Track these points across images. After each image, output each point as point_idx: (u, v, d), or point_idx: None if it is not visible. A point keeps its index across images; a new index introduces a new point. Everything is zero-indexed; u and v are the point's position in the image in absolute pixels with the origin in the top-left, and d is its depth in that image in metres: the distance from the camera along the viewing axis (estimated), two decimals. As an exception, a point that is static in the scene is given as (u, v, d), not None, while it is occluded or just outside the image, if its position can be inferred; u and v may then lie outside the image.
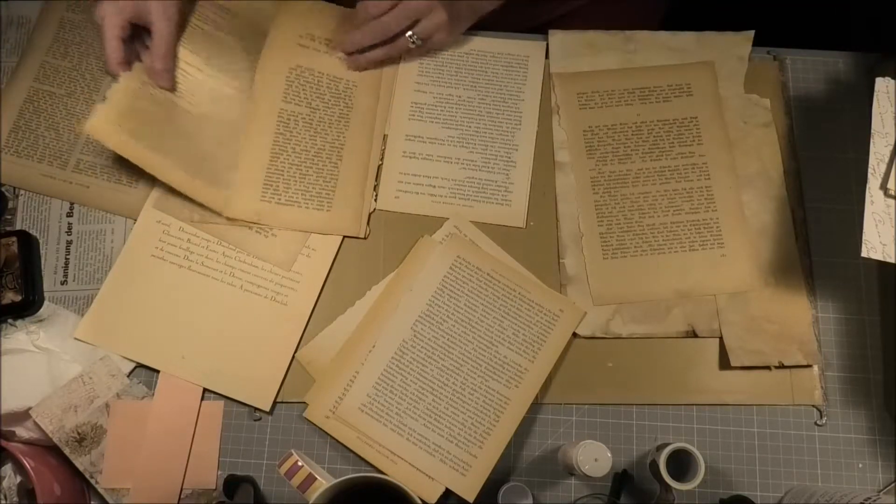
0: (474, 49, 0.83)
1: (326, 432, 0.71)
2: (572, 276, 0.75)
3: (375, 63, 0.81)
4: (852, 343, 0.75)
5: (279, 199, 0.77)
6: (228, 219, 0.76)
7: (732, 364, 0.72)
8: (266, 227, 0.76)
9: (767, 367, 0.73)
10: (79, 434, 0.70)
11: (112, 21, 0.71)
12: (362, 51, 0.80)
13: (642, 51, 0.82)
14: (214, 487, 0.70)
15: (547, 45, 0.83)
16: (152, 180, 0.76)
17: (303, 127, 0.79)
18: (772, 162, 0.78)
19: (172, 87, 0.75)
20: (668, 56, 0.81)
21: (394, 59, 0.82)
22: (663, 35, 0.83)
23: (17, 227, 0.77)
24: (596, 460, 0.63)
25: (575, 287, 0.75)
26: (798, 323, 0.74)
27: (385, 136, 0.80)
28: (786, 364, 0.72)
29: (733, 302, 0.74)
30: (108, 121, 0.70)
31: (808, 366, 0.73)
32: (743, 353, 0.72)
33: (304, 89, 0.80)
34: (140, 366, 0.73)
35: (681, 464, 0.64)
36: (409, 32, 0.78)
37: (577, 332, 0.73)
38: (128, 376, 0.72)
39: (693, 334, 0.73)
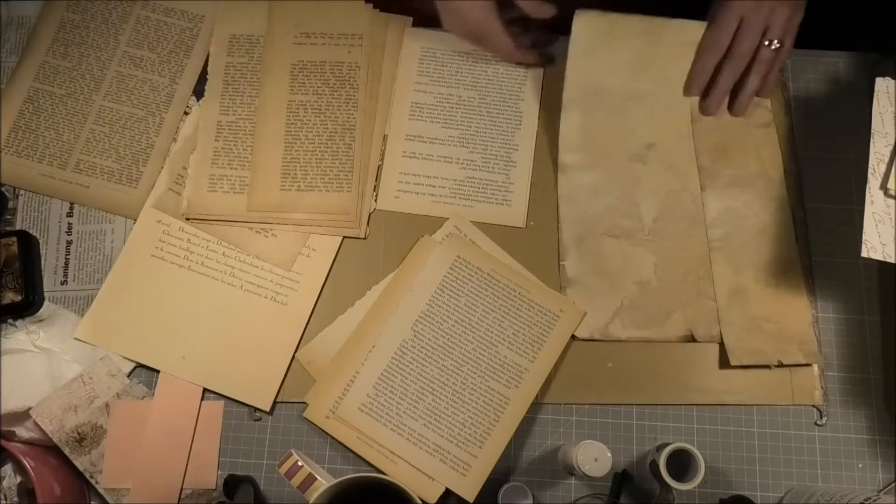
0: (474, 49, 0.83)
1: (326, 432, 0.71)
2: (572, 279, 0.75)
3: (752, 96, 0.76)
4: (852, 343, 0.75)
5: (299, 186, 0.77)
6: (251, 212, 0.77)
7: (732, 363, 0.72)
8: (268, 225, 0.76)
9: (767, 367, 0.73)
10: (79, 434, 0.70)
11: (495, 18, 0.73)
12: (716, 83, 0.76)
13: (659, 44, 0.79)
14: (214, 487, 0.70)
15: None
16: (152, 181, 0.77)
17: (312, 114, 0.79)
18: (772, 162, 0.78)
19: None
20: (685, 50, 0.80)
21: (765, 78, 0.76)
22: (676, 24, 0.79)
23: (17, 227, 0.77)
24: (596, 460, 0.63)
25: (575, 290, 0.75)
26: (798, 322, 0.74)
27: (385, 136, 0.80)
28: (785, 363, 0.72)
29: (733, 302, 0.74)
30: None
31: (808, 365, 0.73)
32: (742, 352, 0.72)
33: (308, 79, 0.81)
34: (140, 366, 0.73)
35: (681, 464, 0.64)
36: (766, 42, 0.72)
37: (576, 334, 0.73)
38: (128, 376, 0.72)
39: (692, 339, 0.73)
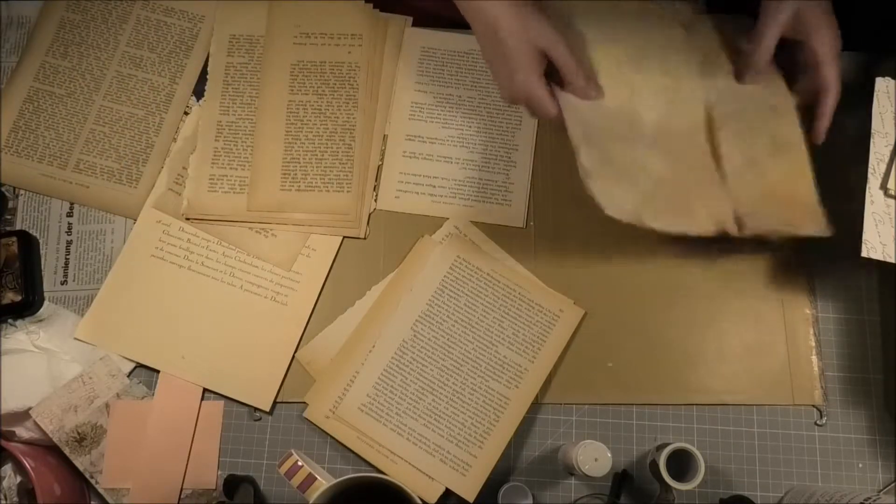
0: (474, 49, 0.83)
1: (326, 432, 0.71)
2: (589, 170, 0.67)
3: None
4: (852, 343, 0.75)
5: (298, 186, 0.77)
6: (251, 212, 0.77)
7: (741, 232, 0.69)
8: (268, 225, 0.77)
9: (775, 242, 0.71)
10: (79, 434, 0.70)
11: (537, 80, 0.68)
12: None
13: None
14: (214, 487, 0.70)
15: None
16: (152, 180, 0.78)
17: (312, 114, 0.80)
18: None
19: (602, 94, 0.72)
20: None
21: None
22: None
23: (17, 227, 0.77)
24: (596, 460, 0.63)
25: (594, 181, 0.66)
26: (805, 195, 0.71)
27: (385, 136, 0.80)
28: (800, 234, 0.69)
29: (745, 174, 0.71)
30: None
31: (818, 238, 0.70)
32: (755, 219, 0.69)
33: (308, 79, 0.81)
34: (140, 366, 0.73)
35: (681, 464, 0.64)
36: None
37: (612, 216, 0.66)
38: (128, 376, 0.72)
39: (726, 233, 0.69)
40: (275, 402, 0.72)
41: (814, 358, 0.74)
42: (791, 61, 0.72)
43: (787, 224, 0.70)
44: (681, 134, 0.73)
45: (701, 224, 0.69)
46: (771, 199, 0.71)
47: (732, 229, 0.70)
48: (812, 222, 0.70)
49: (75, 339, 0.73)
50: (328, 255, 0.76)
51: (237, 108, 0.80)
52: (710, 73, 0.76)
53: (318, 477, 0.60)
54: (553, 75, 0.70)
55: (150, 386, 0.72)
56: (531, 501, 0.68)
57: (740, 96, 0.74)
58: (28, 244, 0.76)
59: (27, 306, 0.73)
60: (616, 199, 0.67)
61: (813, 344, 0.74)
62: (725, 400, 0.73)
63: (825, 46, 0.68)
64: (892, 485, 0.71)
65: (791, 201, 0.71)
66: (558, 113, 0.69)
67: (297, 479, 0.60)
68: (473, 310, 0.73)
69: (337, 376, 0.72)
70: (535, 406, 0.72)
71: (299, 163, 0.78)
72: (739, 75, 0.75)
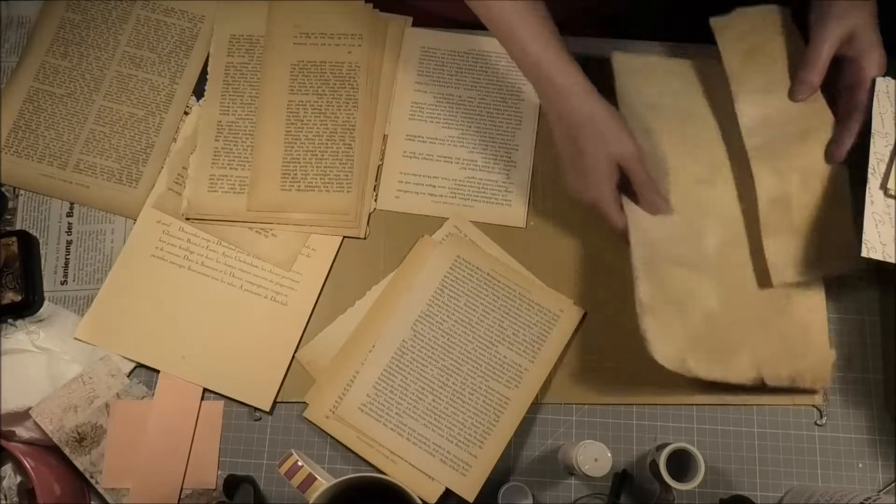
0: (474, 49, 0.83)
1: (326, 432, 0.71)
2: (647, 306, 0.67)
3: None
4: (852, 343, 0.75)
5: (299, 186, 0.77)
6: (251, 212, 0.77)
7: (774, 283, 0.70)
8: (268, 225, 0.77)
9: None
10: (79, 434, 0.70)
11: (609, 194, 0.68)
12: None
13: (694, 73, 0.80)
14: (214, 487, 0.70)
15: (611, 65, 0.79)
16: (153, 181, 0.78)
17: (312, 114, 0.80)
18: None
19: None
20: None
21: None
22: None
23: (17, 227, 0.77)
24: (596, 460, 0.63)
25: (650, 318, 0.67)
26: (841, 231, 0.70)
27: (385, 136, 0.80)
28: (833, 274, 0.70)
29: (776, 211, 0.70)
30: None
31: (859, 279, 0.72)
32: (785, 267, 0.70)
33: (308, 79, 0.81)
34: (140, 366, 0.73)
35: (681, 464, 0.64)
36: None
37: (662, 364, 0.66)
38: (128, 376, 0.72)
39: (762, 383, 0.69)
40: (275, 402, 0.72)
41: (814, 358, 0.74)
42: (828, 81, 0.71)
43: (817, 270, 0.70)
44: (741, 262, 0.73)
45: (741, 372, 0.69)
46: (801, 243, 0.70)
47: (771, 378, 0.69)
48: (846, 262, 0.70)
49: (75, 339, 0.73)
50: (328, 255, 0.76)
51: (237, 108, 0.80)
52: (741, 87, 0.73)
53: (318, 477, 0.60)
54: (626, 185, 0.70)
55: (150, 386, 0.72)
56: (531, 501, 0.68)
57: (769, 124, 0.72)
58: (28, 244, 0.76)
59: (27, 306, 0.73)
60: (665, 341, 0.67)
61: (813, 344, 0.74)
62: (725, 400, 0.73)
63: (875, 68, 0.69)
64: (892, 485, 0.71)
65: (822, 244, 0.70)
66: (625, 226, 0.69)
67: (297, 479, 0.60)
68: (473, 310, 0.73)
69: (337, 376, 0.72)
70: (535, 406, 0.72)
71: (299, 163, 0.78)
72: (791, 92, 0.73)
